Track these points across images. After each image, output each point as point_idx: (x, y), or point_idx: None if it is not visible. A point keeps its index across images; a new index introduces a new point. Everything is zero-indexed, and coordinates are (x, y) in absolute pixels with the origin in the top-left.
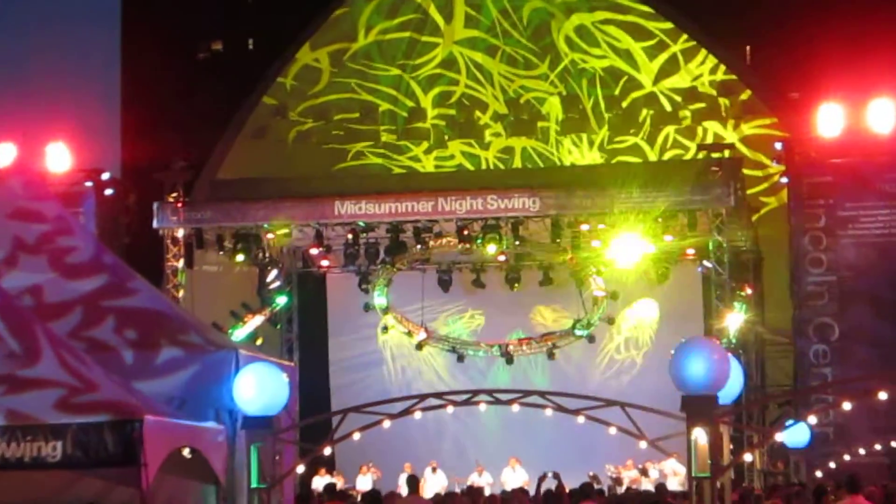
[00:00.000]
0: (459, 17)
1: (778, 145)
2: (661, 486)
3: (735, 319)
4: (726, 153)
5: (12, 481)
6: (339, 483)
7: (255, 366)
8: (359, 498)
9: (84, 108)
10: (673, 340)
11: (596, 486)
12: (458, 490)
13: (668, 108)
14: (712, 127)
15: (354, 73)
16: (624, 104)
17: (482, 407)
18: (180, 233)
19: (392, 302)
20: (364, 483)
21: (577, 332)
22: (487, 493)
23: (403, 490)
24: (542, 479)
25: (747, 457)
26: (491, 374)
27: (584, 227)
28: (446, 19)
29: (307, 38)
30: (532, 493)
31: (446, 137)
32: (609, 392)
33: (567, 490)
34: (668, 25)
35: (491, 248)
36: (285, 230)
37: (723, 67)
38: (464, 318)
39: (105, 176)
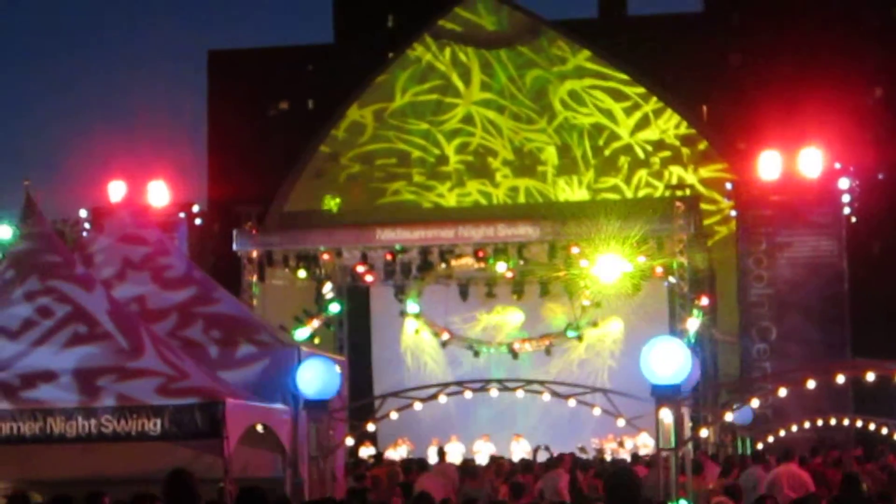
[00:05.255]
0: (476, 83)
1: (728, 185)
2: (635, 455)
3: (694, 324)
4: (687, 192)
5: (122, 451)
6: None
7: (313, 360)
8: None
9: (178, 153)
10: (644, 340)
11: (583, 456)
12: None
13: (642, 155)
14: (676, 171)
15: (392, 126)
16: (606, 153)
17: (493, 392)
18: (254, 254)
19: (422, 309)
20: (400, 452)
21: (569, 334)
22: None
23: (433, 459)
24: (536, 450)
25: (703, 432)
26: (500, 367)
27: (575, 250)
28: (465, 84)
29: (355, 99)
30: (532, 459)
31: (465, 178)
32: (593, 381)
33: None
34: (642, 90)
35: (501, 267)
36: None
37: (685, 123)
38: (479, 322)
39: (195, 208)
